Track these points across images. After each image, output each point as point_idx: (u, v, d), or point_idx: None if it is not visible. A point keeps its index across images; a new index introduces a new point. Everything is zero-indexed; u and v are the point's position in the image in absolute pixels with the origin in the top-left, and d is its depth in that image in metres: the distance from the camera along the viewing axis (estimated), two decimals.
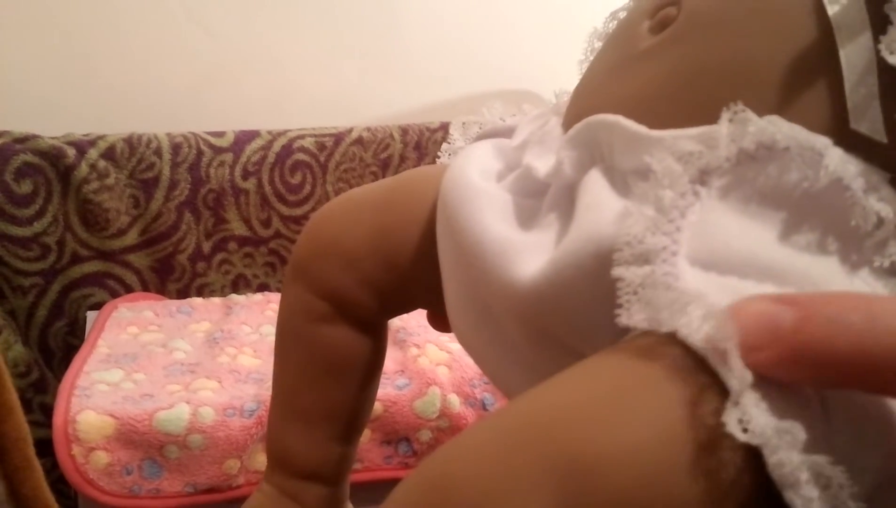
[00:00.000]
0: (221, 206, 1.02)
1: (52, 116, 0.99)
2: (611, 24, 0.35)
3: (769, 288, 0.22)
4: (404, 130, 1.10)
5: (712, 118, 0.24)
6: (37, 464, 0.42)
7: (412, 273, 0.38)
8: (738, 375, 0.18)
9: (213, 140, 1.01)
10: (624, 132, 0.27)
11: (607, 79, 0.31)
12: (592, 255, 0.24)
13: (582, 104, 0.31)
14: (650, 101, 0.28)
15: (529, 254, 0.28)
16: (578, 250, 0.25)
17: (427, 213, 0.36)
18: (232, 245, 1.04)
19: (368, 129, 1.07)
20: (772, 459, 0.18)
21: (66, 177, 0.92)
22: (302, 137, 1.05)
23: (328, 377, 0.40)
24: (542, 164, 0.30)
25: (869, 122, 0.24)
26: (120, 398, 0.70)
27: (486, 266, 0.29)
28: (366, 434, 0.72)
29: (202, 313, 0.94)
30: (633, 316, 0.21)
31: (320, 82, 1.15)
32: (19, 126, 0.91)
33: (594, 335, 0.25)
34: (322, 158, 1.06)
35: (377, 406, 0.72)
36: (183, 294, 1.02)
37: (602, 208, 0.25)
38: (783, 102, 0.25)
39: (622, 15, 0.34)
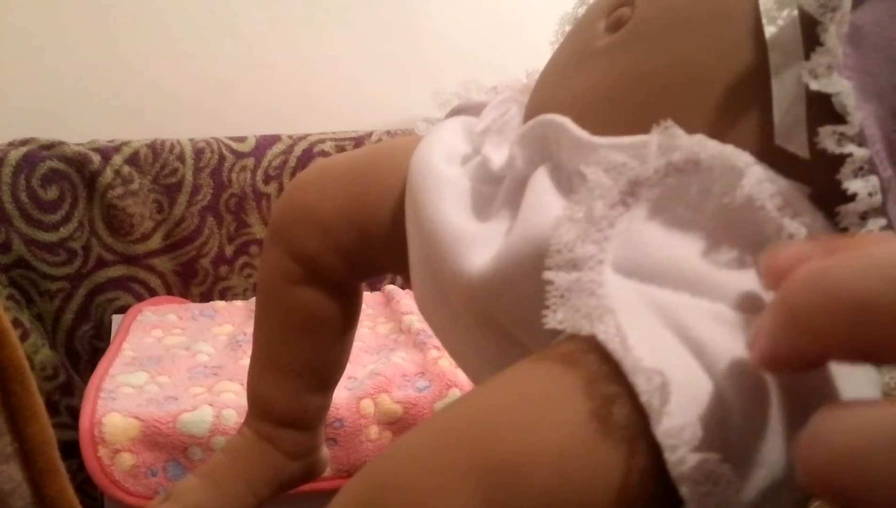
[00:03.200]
0: (243, 210, 1.03)
1: (77, 123, 1.01)
2: (580, 10, 0.36)
3: (685, 298, 0.23)
4: None
5: (653, 124, 0.25)
6: (62, 468, 0.43)
7: (383, 242, 0.39)
8: (645, 381, 0.20)
9: (234, 145, 1.02)
10: (568, 135, 0.28)
11: (564, 74, 0.32)
12: (531, 255, 0.26)
13: (539, 97, 0.33)
14: (598, 102, 0.29)
15: (480, 246, 0.29)
16: (519, 249, 0.27)
17: (399, 185, 0.38)
18: (254, 249, 1.04)
19: (389, 132, 1.08)
20: (671, 458, 0.19)
21: (91, 183, 0.93)
22: (322, 141, 1.05)
23: (302, 335, 0.43)
24: (498, 155, 0.32)
25: (795, 139, 0.25)
26: (144, 400, 0.71)
27: (442, 254, 0.31)
28: (386, 436, 0.72)
29: (225, 316, 0.95)
30: (556, 320, 0.23)
31: (341, 87, 1.15)
32: (45, 133, 0.92)
33: (533, 328, 0.26)
34: None
35: (397, 408, 0.72)
36: (206, 298, 1.03)
37: (543, 209, 0.27)
38: (718, 114, 0.26)
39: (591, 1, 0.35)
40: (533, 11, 1.15)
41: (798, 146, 0.25)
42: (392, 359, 0.81)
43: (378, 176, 0.39)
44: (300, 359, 0.44)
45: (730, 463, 0.19)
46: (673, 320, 0.22)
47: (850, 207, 0.24)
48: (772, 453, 0.20)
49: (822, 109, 0.24)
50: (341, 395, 0.74)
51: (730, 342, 0.21)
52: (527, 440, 0.21)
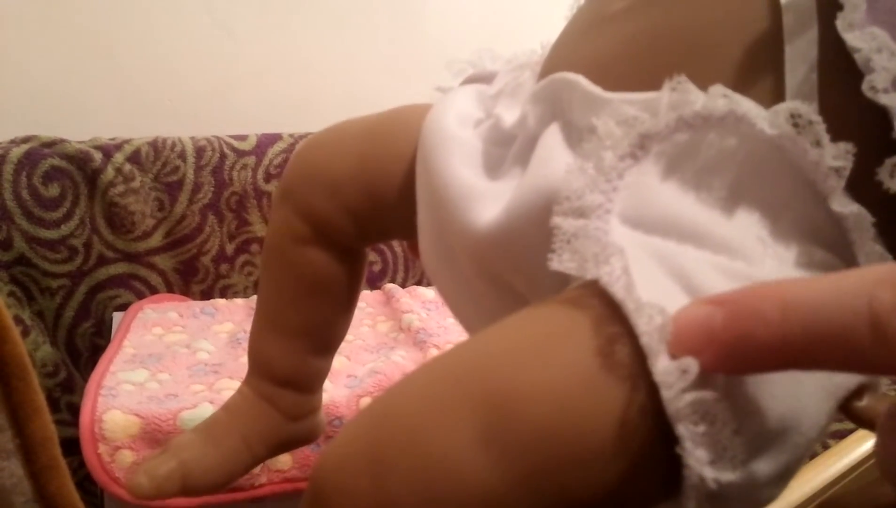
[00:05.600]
0: (244, 208, 1.03)
1: (78, 121, 1.01)
2: None
3: (689, 249, 0.23)
4: None
5: (667, 77, 0.25)
6: (63, 464, 0.43)
7: (391, 205, 0.39)
8: (646, 320, 0.20)
9: (235, 143, 1.02)
10: (581, 91, 0.28)
11: (579, 37, 0.32)
12: (540, 206, 0.26)
13: (554, 60, 0.33)
14: (612, 62, 0.29)
15: (490, 201, 0.30)
16: (528, 199, 0.27)
17: (409, 149, 0.38)
18: (254, 247, 1.05)
19: None
20: (667, 395, 0.19)
21: (92, 180, 0.93)
22: None
23: (306, 296, 0.43)
24: (510, 115, 0.32)
25: (804, 96, 0.24)
26: (145, 397, 0.71)
27: (450, 208, 0.31)
28: None
29: (225, 314, 0.95)
30: (562, 262, 0.23)
31: (342, 85, 1.15)
32: (47, 131, 0.93)
33: (540, 283, 0.26)
34: None
35: None
36: (206, 295, 1.04)
37: (553, 162, 0.27)
38: (731, 76, 0.26)
39: None
40: (534, 13, 1.15)
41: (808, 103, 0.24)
42: (392, 357, 0.81)
43: (390, 140, 0.40)
44: (303, 320, 0.44)
45: (726, 403, 0.19)
46: (676, 268, 0.22)
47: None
48: (771, 399, 0.21)
49: (840, 68, 0.24)
50: (341, 393, 0.74)
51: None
52: (527, 375, 0.22)
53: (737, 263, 0.23)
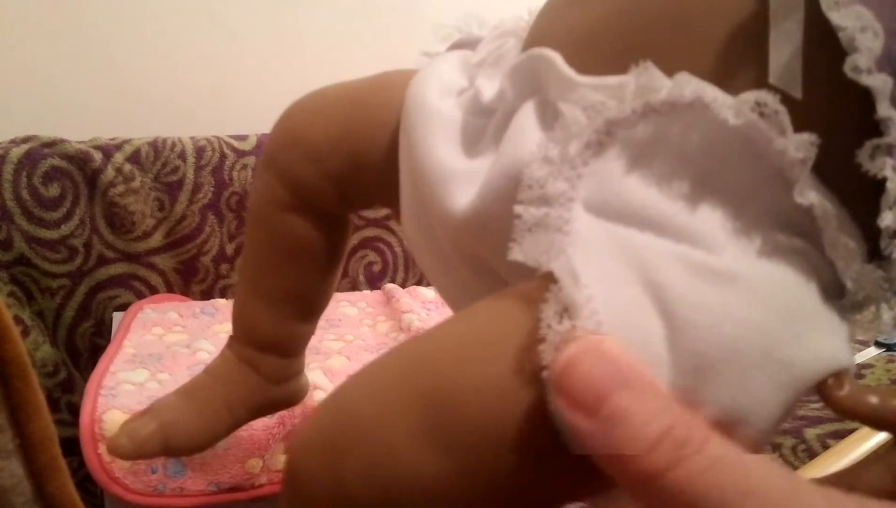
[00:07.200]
0: (244, 208, 1.03)
1: (78, 121, 1.01)
2: None
3: (650, 238, 0.23)
4: None
5: (645, 56, 0.24)
6: (63, 464, 0.43)
7: (374, 173, 0.39)
8: (587, 319, 0.21)
9: (235, 144, 1.02)
10: (556, 71, 0.27)
11: (564, 7, 0.31)
12: (511, 189, 0.26)
13: (537, 31, 0.32)
14: (592, 36, 0.28)
15: (466, 184, 0.30)
16: (498, 184, 0.27)
17: (394, 116, 0.37)
18: None
19: None
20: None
21: (92, 180, 0.93)
22: None
23: (289, 263, 0.43)
24: (490, 87, 0.32)
25: (788, 77, 0.24)
26: (145, 397, 0.71)
27: (430, 192, 0.31)
28: None
29: (225, 313, 0.95)
30: (519, 253, 0.24)
31: None
32: (46, 130, 0.92)
33: (517, 265, 0.27)
34: None
35: None
36: (206, 296, 1.04)
37: (522, 144, 0.27)
38: (711, 56, 0.25)
39: None
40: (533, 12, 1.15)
41: (792, 86, 0.24)
42: None
43: (373, 106, 0.39)
44: (285, 286, 0.44)
45: None
46: (635, 259, 0.22)
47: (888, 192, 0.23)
48: (713, 391, 0.21)
49: (824, 48, 0.23)
50: None
51: (688, 283, 0.22)
52: (465, 374, 0.22)
53: (697, 252, 0.22)
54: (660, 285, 0.22)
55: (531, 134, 0.27)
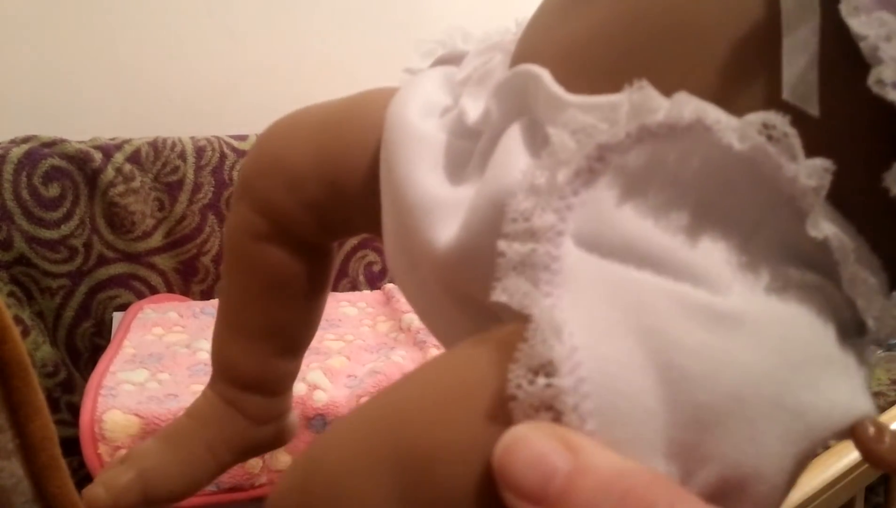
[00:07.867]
0: None
1: (78, 121, 1.01)
2: None
3: (647, 275, 0.21)
4: None
5: (642, 72, 0.22)
6: (63, 464, 0.43)
7: (356, 199, 0.37)
8: (567, 374, 0.19)
9: (235, 144, 1.02)
10: (544, 89, 0.25)
11: (554, 18, 0.29)
12: (497, 219, 0.23)
13: (525, 45, 0.30)
14: (585, 49, 0.26)
15: (450, 216, 0.27)
16: (483, 214, 0.25)
17: (374, 138, 0.35)
18: None
19: None
20: None
21: (92, 180, 0.93)
22: None
23: (268, 296, 0.41)
24: (475, 107, 0.29)
25: (802, 92, 0.22)
26: (145, 397, 0.71)
27: (413, 223, 0.29)
28: None
29: None
30: (503, 294, 0.21)
31: (342, 85, 1.15)
32: (47, 130, 0.92)
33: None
34: None
35: None
36: (206, 295, 1.04)
37: (509, 169, 0.25)
38: (719, 68, 0.23)
39: None
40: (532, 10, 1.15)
41: (808, 101, 0.21)
42: (392, 357, 0.81)
43: (351, 128, 0.37)
44: (265, 321, 0.41)
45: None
46: (630, 301, 0.20)
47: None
48: (720, 448, 0.19)
49: (843, 59, 0.21)
50: (341, 393, 0.74)
51: (687, 329, 0.20)
52: (436, 433, 0.21)
53: (699, 291, 0.20)
54: (656, 330, 0.20)
55: (517, 159, 0.25)
